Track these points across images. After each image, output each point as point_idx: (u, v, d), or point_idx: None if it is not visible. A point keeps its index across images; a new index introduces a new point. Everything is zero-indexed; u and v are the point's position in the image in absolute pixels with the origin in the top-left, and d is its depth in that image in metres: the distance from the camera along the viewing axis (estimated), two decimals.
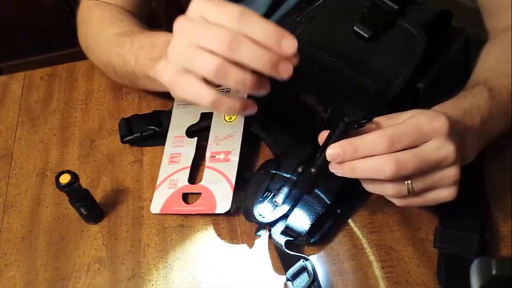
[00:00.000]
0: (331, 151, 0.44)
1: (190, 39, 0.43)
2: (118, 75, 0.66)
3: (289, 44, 0.41)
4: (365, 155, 0.44)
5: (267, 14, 0.79)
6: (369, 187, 0.47)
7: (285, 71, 0.42)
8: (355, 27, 0.54)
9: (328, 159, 0.45)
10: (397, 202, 0.47)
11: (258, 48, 0.41)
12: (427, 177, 0.45)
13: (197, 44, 0.42)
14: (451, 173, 0.45)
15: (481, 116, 0.50)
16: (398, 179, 0.44)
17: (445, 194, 0.46)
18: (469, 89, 0.54)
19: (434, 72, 0.56)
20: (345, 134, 0.45)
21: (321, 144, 0.47)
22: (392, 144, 0.43)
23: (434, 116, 0.44)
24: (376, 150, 0.43)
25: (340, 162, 0.45)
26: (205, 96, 0.44)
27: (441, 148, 0.44)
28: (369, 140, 0.44)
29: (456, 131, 0.45)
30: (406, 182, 0.44)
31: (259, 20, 0.41)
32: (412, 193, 0.45)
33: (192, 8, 0.44)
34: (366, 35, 0.54)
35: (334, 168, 0.46)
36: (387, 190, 0.45)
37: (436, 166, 0.44)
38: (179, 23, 0.44)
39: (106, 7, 0.68)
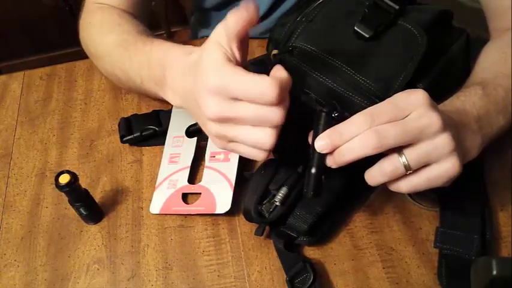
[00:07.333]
0: (319, 142, 0.45)
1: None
2: (125, 86, 0.67)
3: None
4: (350, 138, 0.44)
5: (269, 12, 0.79)
6: (370, 174, 0.46)
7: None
8: (355, 27, 0.54)
9: (318, 150, 0.45)
10: (403, 187, 0.46)
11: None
12: (419, 148, 0.44)
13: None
14: (443, 141, 0.44)
15: (477, 111, 0.51)
16: (386, 151, 0.43)
17: (447, 166, 0.45)
18: (463, 89, 0.54)
19: (435, 73, 0.56)
20: (329, 125, 0.46)
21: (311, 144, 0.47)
22: (372, 121, 0.43)
23: (410, 91, 0.45)
24: (359, 130, 0.44)
25: (332, 153, 0.45)
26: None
27: (422, 116, 0.43)
28: (350, 122, 0.44)
29: (450, 124, 0.45)
30: (399, 157, 0.44)
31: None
32: (408, 167, 0.44)
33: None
34: (367, 35, 0.54)
35: (329, 162, 0.46)
36: (385, 167, 0.45)
37: (421, 134, 0.44)
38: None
39: (107, 11, 0.67)
